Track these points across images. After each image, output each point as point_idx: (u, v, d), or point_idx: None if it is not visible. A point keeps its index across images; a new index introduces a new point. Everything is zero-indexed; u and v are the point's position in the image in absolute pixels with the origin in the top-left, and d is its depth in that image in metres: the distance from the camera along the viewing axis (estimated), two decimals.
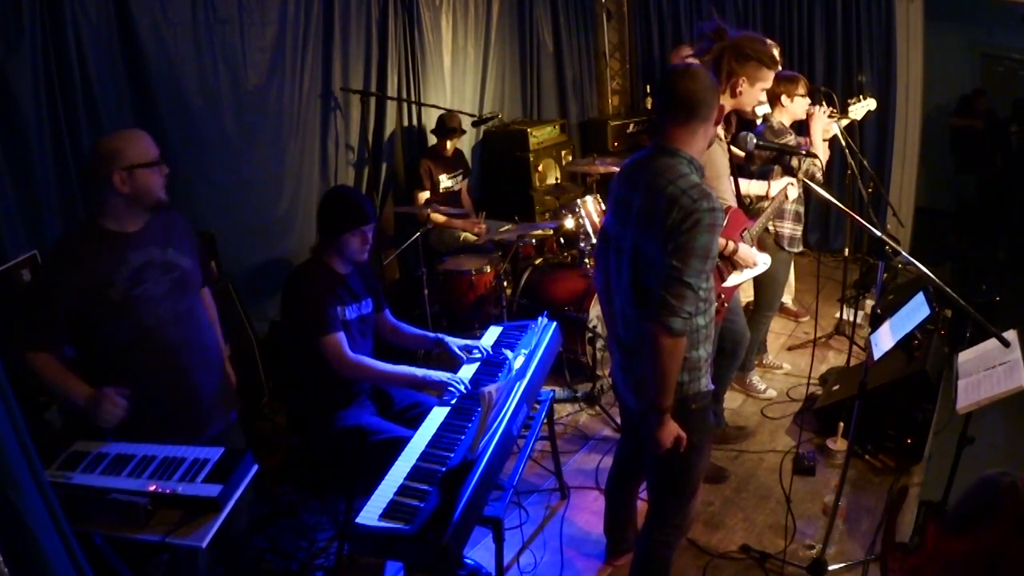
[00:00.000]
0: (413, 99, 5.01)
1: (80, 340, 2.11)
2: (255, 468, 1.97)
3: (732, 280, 2.81)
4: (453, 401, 2.52)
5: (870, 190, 4.36)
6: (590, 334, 4.00)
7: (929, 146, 5.94)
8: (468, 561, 2.59)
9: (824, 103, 3.57)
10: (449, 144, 4.73)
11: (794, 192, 3.28)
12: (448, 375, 2.61)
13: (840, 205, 2.60)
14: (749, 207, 3.44)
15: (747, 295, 3.96)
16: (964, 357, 2.55)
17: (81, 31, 3.17)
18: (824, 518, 2.88)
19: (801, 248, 3.70)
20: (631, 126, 6.34)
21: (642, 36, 6.75)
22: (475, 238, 4.64)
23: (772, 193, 3.44)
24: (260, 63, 4.01)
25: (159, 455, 1.95)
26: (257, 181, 4.10)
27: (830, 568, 2.57)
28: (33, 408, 2.58)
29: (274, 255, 4.23)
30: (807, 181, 3.01)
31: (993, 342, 2.40)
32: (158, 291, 2.16)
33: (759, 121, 3.51)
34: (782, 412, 3.77)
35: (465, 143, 5.29)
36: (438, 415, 2.43)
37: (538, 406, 2.82)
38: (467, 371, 2.73)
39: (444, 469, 2.08)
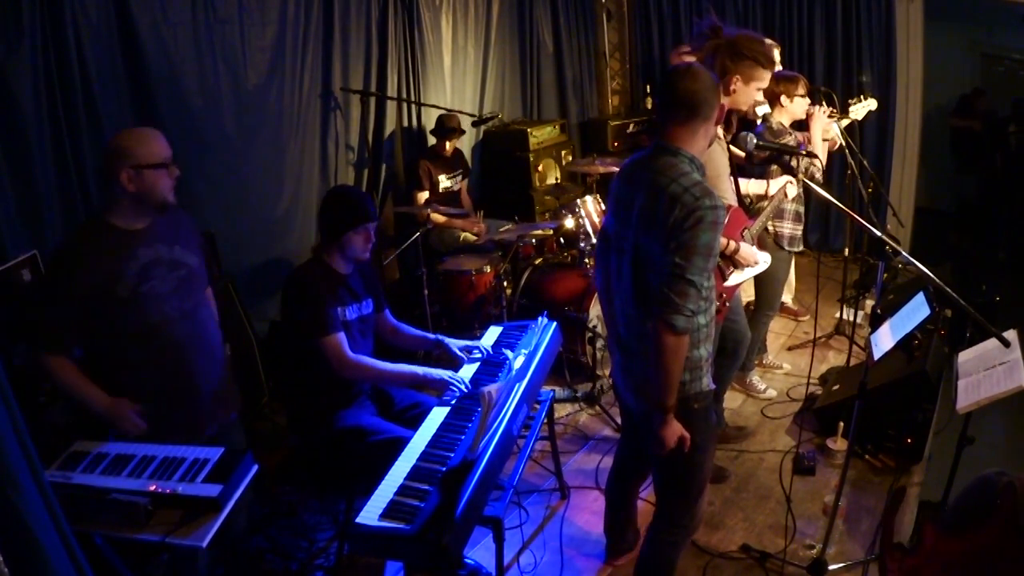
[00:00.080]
0: (413, 99, 5.01)
1: (86, 336, 2.10)
2: (255, 468, 1.97)
3: (733, 279, 2.82)
4: (453, 401, 2.52)
5: (870, 190, 4.36)
6: (590, 334, 3.99)
7: (929, 146, 5.93)
8: (468, 561, 2.60)
9: (824, 103, 3.58)
10: (448, 144, 4.72)
11: (793, 191, 3.29)
12: (448, 373, 2.61)
13: (840, 205, 2.61)
14: (749, 207, 3.44)
15: (748, 295, 3.96)
16: (964, 357, 2.55)
17: (81, 31, 3.17)
18: (824, 518, 2.88)
19: (801, 248, 3.70)
20: (631, 126, 6.33)
21: (642, 36, 6.75)
22: (475, 238, 4.64)
23: (771, 192, 3.45)
24: (260, 63, 4.01)
25: (159, 455, 1.96)
26: (257, 181, 4.10)
27: (830, 568, 2.57)
28: (33, 408, 2.58)
29: (274, 255, 4.22)
30: (807, 181, 3.01)
31: (993, 342, 2.40)
32: (165, 288, 2.15)
33: (759, 121, 3.51)
34: (782, 412, 3.77)
35: (465, 143, 5.29)
36: (438, 415, 2.43)
37: (538, 406, 2.82)
38: (467, 371, 2.73)
39: (444, 469, 2.08)
